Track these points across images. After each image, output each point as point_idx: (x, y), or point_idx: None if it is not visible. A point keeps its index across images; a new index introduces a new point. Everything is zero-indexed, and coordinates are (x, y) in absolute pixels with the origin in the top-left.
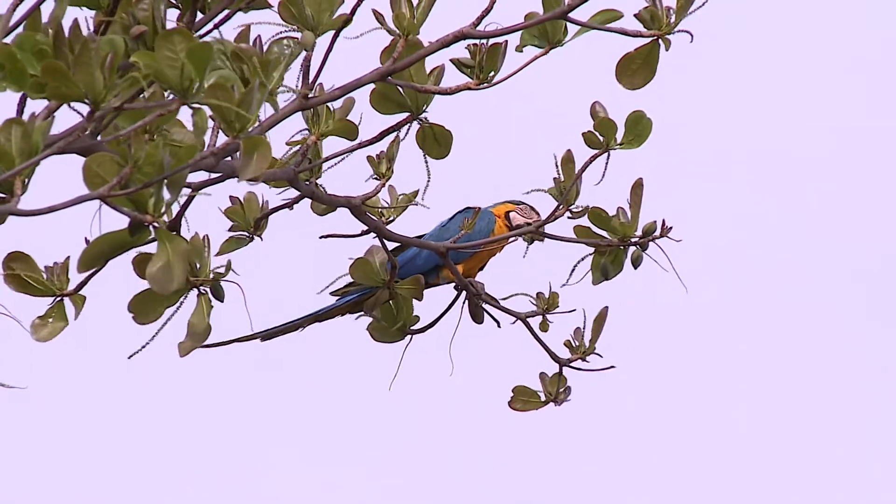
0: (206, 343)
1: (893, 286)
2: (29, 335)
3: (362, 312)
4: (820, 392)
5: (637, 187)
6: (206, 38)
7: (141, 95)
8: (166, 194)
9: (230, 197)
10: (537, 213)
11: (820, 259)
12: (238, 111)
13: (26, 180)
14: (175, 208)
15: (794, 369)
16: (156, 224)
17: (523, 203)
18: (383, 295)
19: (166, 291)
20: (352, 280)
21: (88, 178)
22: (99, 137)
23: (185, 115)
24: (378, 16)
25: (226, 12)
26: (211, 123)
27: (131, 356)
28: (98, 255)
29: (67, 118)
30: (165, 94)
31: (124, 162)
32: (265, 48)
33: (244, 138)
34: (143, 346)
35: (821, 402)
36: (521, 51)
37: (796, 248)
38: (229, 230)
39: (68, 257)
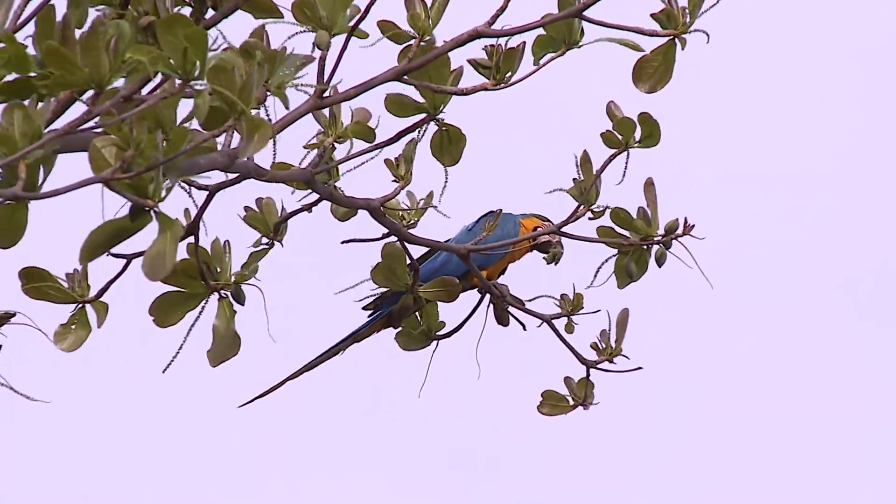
0: (261, 392)
1: None
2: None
3: (397, 325)
4: (834, 385)
5: (649, 186)
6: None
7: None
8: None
9: (245, 207)
10: (559, 235)
11: (835, 256)
12: (232, 96)
13: (40, 171)
14: (193, 210)
15: (814, 362)
16: (156, 209)
17: (549, 221)
18: (408, 300)
19: (157, 278)
20: (376, 290)
21: (94, 161)
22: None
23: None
24: (390, 25)
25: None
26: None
27: (165, 369)
28: (100, 243)
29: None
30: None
31: (126, 146)
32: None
33: (246, 120)
34: (174, 357)
35: (833, 395)
36: (538, 63)
37: (813, 245)
38: (252, 245)
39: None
